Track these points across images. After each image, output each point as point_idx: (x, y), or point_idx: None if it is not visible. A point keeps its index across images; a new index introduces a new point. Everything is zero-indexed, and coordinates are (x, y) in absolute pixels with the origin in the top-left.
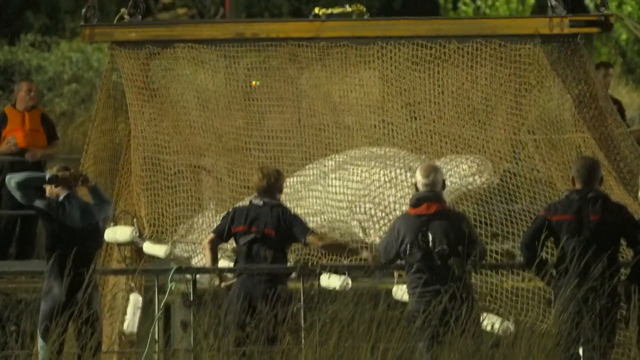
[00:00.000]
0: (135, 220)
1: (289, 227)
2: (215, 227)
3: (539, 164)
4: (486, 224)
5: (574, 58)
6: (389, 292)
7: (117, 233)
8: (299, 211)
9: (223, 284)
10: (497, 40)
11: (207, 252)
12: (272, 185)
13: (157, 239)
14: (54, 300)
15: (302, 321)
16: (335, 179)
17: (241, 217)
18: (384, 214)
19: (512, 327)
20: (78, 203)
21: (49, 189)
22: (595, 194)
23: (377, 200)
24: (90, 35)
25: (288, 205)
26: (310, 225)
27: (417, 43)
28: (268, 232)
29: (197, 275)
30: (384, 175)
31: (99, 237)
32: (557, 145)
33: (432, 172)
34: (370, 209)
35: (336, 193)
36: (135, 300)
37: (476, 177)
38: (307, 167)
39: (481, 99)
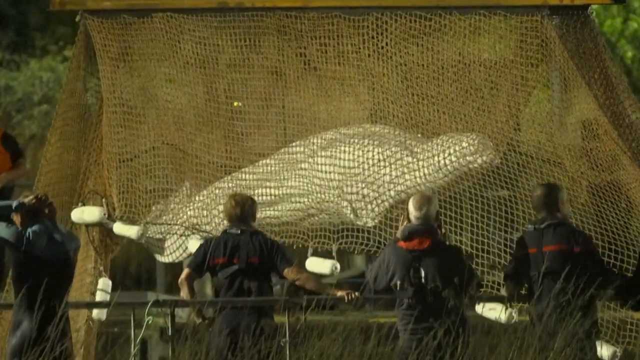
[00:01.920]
0: (104, 200)
1: (271, 255)
2: (190, 261)
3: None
4: (483, 253)
5: (584, 32)
6: (379, 325)
7: (84, 213)
8: (283, 192)
9: (199, 320)
10: (501, 11)
11: (185, 289)
12: (246, 212)
13: (129, 220)
14: (23, 335)
15: (288, 357)
16: (325, 157)
17: (219, 248)
18: (377, 194)
19: (515, 315)
20: (47, 232)
21: (16, 218)
22: (549, 223)
23: (370, 179)
24: (60, 3)
25: (271, 185)
26: (295, 212)
27: (415, 14)
28: (252, 261)
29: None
30: (378, 153)
31: (70, 268)
32: (567, 125)
33: (425, 204)
34: (362, 188)
35: (325, 172)
36: (104, 284)
37: (476, 156)
38: (293, 144)
39: (483, 74)
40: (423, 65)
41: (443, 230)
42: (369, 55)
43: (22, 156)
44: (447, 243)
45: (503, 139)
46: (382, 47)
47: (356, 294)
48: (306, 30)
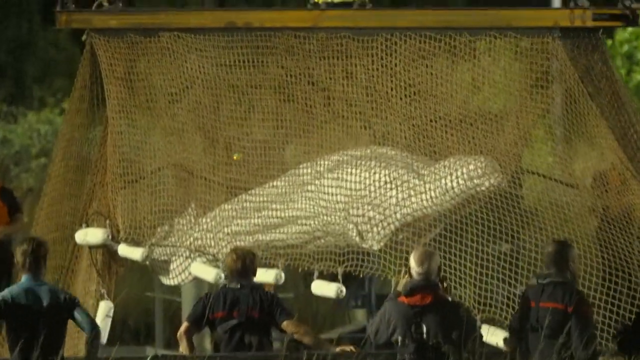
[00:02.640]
0: (108, 222)
1: (271, 308)
2: (188, 314)
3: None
4: (486, 307)
5: (595, 55)
6: None
7: (88, 235)
8: (290, 214)
9: None
10: (512, 32)
11: (183, 343)
12: (247, 267)
13: (134, 241)
14: None
15: None
16: (331, 179)
17: (218, 302)
18: (383, 217)
19: None
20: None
21: None
22: (551, 281)
23: (376, 202)
24: (66, 22)
25: (277, 207)
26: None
27: (424, 35)
28: (252, 315)
29: None
30: (384, 175)
31: (56, 322)
32: (575, 143)
33: (427, 260)
34: (368, 211)
35: (332, 194)
36: (106, 307)
37: (484, 179)
38: (299, 166)
39: (493, 96)
40: (432, 86)
41: (445, 285)
42: (377, 76)
43: (19, 210)
44: (450, 299)
45: (511, 162)
46: (391, 68)
47: (352, 348)
48: (315, 51)
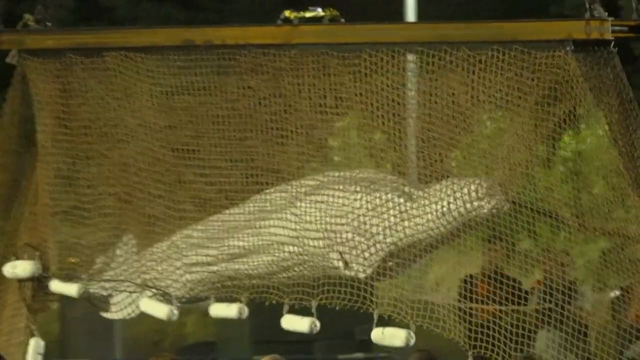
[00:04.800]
0: (38, 254)
1: None
2: None
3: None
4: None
5: (607, 69)
6: None
7: (17, 267)
8: (257, 242)
9: None
10: (518, 46)
11: None
12: None
13: (68, 276)
14: None
15: None
16: (310, 202)
17: None
18: (371, 243)
19: None
20: None
21: None
22: None
23: (363, 227)
24: None
25: (241, 237)
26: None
27: (415, 51)
28: None
29: None
30: (373, 199)
31: None
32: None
33: None
34: (353, 237)
35: (310, 220)
36: (36, 345)
37: (483, 202)
38: (269, 191)
39: (493, 114)
40: (424, 104)
41: None
42: (360, 95)
43: None
44: None
45: (513, 184)
46: (377, 86)
47: None
48: (287, 69)
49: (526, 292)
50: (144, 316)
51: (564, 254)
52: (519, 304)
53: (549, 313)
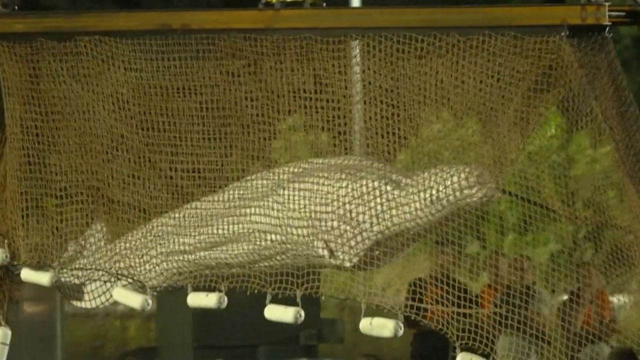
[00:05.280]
0: (6, 242)
1: None
2: None
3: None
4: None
5: (602, 55)
6: None
7: None
8: (238, 229)
9: None
10: (511, 31)
11: None
12: None
13: (39, 265)
14: None
15: None
16: (294, 190)
17: None
18: (358, 231)
19: None
20: None
21: None
22: None
23: (349, 215)
24: None
25: (222, 223)
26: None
27: (403, 36)
28: None
29: None
30: (360, 186)
31: None
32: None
33: None
34: (339, 225)
35: (294, 209)
36: (3, 335)
37: (474, 190)
38: (250, 178)
39: (484, 101)
40: (412, 91)
41: None
42: (345, 81)
43: None
44: None
45: (505, 172)
46: (364, 72)
47: None
48: (268, 54)
49: (476, 296)
50: (85, 320)
51: (525, 258)
52: (469, 307)
53: (507, 317)
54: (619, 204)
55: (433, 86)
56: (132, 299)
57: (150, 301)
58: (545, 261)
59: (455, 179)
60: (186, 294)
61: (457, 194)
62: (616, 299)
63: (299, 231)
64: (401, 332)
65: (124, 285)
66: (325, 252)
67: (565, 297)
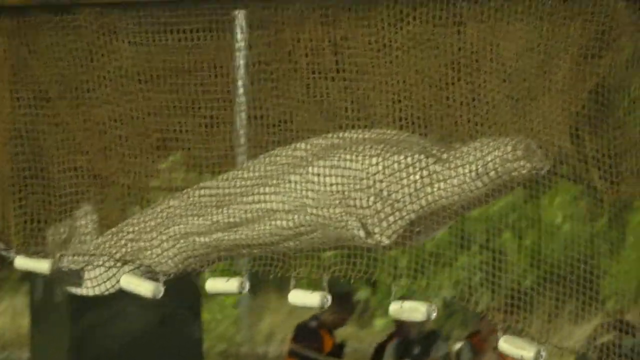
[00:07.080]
0: None
1: None
2: None
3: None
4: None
5: None
6: None
7: None
8: (261, 207)
9: None
10: None
11: None
12: None
13: (34, 252)
14: None
15: None
16: (323, 167)
17: None
18: (395, 209)
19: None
20: None
21: None
22: None
23: (386, 192)
24: None
25: (243, 202)
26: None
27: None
28: None
29: None
30: (396, 162)
31: None
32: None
33: None
34: (374, 202)
35: (324, 185)
36: None
37: (523, 162)
38: (272, 153)
39: (530, 69)
40: (452, 60)
41: None
42: (378, 50)
43: None
44: None
45: (554, 144)
46: (396, 41)
47: None
48: (289, 23)
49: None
50: None
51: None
52: None
53: None
54: None
55: (470, 55)
56: (143, 287)
57: (162, 288)
58: (440, 307)
59: (499, 152)
60: None
61: (506, 165)
62: None
63: (330, 210)
64: (434, 315)
65: (131, 271)
66: (362, 232)
67: (461, 344)
